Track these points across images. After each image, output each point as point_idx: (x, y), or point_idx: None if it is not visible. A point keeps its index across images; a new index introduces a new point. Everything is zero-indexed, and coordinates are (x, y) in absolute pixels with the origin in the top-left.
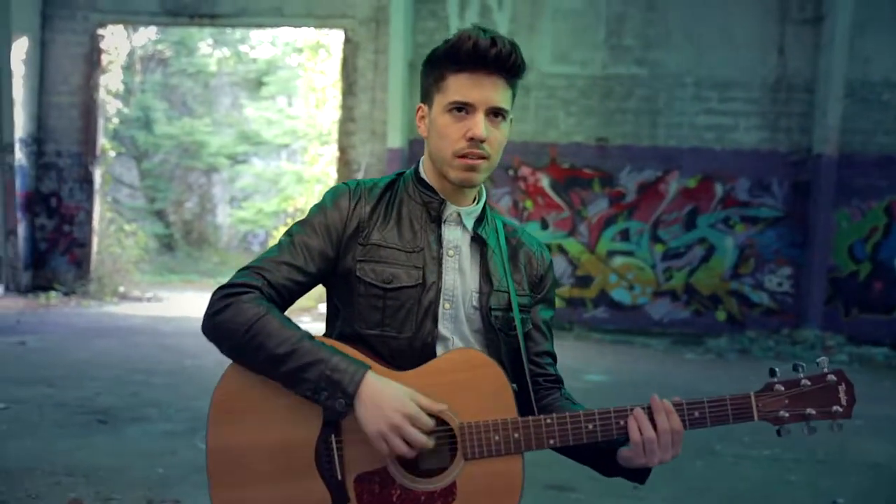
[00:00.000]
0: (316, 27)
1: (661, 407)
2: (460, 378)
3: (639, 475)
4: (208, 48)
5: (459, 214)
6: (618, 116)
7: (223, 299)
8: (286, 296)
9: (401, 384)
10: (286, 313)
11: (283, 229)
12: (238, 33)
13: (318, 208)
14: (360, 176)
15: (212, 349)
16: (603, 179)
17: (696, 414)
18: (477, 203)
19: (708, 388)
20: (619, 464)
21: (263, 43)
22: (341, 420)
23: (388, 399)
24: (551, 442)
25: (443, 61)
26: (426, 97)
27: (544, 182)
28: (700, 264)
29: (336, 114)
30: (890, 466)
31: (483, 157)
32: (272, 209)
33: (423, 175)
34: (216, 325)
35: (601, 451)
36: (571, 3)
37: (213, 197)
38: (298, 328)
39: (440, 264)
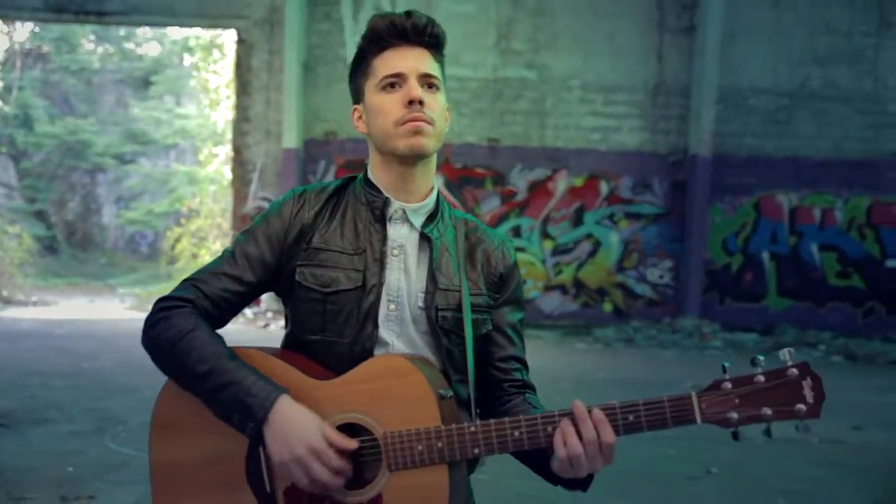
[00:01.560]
0: (208, 27)
1: (586, 416)
2: (384, 385)
3: (579, 483)
4: (90, 45)
5: (405, 211)
6: (508, 118)
7: (157, 313)
8: (224, 307)
9: (313, 415)
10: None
11: (176, 230)
12: (122, 30)
13: (263, 217)
14: (255, 176)
15: (108, 350)
16: (494, 178)
17: (631, 418)
18: (428, 199)
19: (597, 376)
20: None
21: (150, 40)
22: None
23: (296, 429)
24: (476, 451)
25: (365, 50)
26: (358, 96)
27: (439, 181)
28: (587, 259)
29: (230, 114)
30: (755, 439)
31: (426, 121)
32: (162, 210)
33: (370, 175)
34: (149, 338)
35: (539, 460)
36: (463, 7)
37: (97, 197)
38: (223, 346)
39: (382, 264)
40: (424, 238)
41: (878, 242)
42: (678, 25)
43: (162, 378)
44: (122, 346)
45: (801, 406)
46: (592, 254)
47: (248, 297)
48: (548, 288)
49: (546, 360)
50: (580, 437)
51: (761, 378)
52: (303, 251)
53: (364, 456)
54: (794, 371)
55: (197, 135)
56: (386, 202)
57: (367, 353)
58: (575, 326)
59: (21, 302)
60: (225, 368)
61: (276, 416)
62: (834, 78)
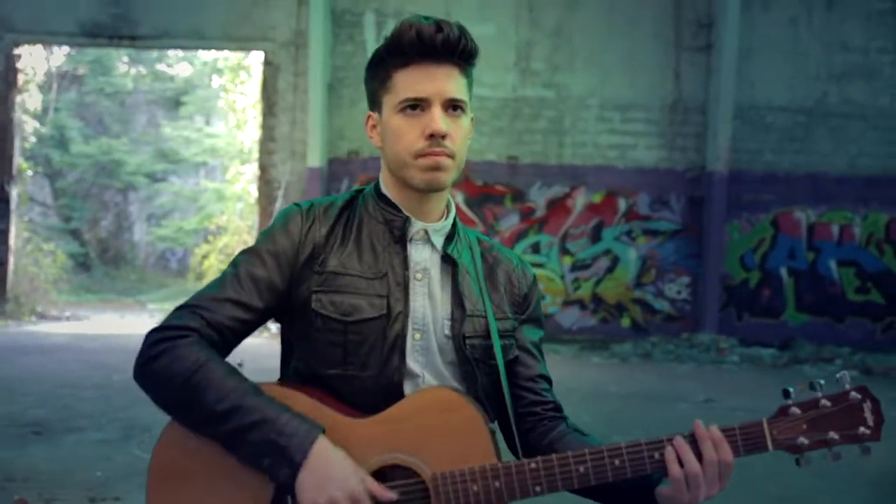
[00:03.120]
0: (236, 50)
1: (707, 436)
2: (430, 422)
3: None
4: (124, 66)
5: (427, 232)
6: (527, 136)
7: (157, 344)
8: (230, 337)
9: (351, 460)
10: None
11: (204, 247)
12: (155, 52)
13: (267, 234)
14: (280, 194)
15: None
16: (514, 196)
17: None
18: (446, 218)
19: (610, 389)
20: None
21: (181, 61)
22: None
23: (336, 474)
24: (537, 489)
25: (386, 59)
26: (374, 103)
27: (459, 198)
28: (606, 275)
29: (256, 133)
30: None
31: (447, 155)
32: (192, 227)
33: (383, 190)
34: (149, 374)
35: (608, 493)
36: (483, 30)
37: (129, 215)
38: (244, 379)
39: (406, 290)
40: (447, 260)
41: None
42: (695, 44)
43: None
44: None
45: (864, 429)
46: (611, 269)
47: (255, 325)
48: (566, 303)
49: (561, 374)
50: (699, 458)
51: (826, 402)
52: (316, 275)
53: (410, 499)
54: (856, 395)
55: (225, 153)
56: (407, 221)
57: (394, 388)
58: (593, 341)
59: (54, 317)
60: (252, 406)
61: (314, 459)
62: (850, 94)
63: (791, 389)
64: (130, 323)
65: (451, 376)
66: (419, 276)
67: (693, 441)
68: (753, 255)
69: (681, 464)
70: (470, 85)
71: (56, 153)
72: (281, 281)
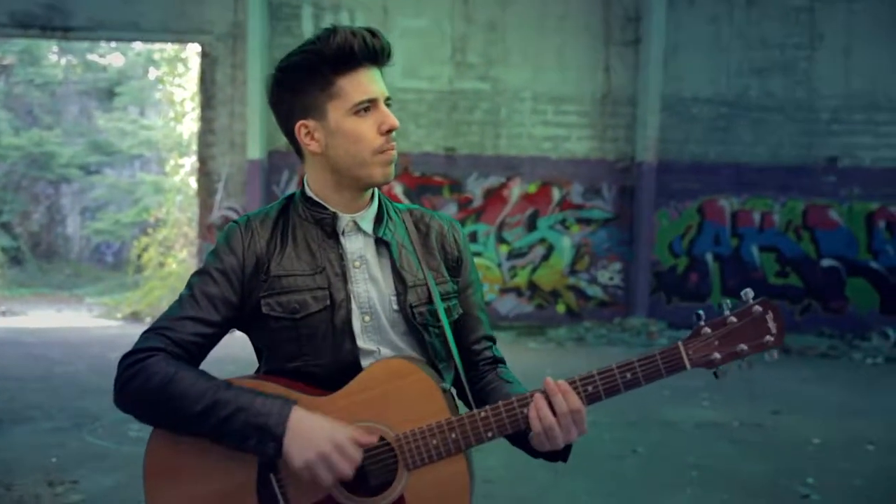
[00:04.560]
0: (173, 42)
1: (556, 389)
2: (387, 389)
3: (559, 454)
4: (54, 56)
5: (355, 222)
6: (464, 128)
7: (128, 368)
8: (195, 352)
9: (329, 419)
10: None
11: (143, 240)
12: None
13: (213, 254)
14: (220, 186)
15: (80, 356)
16: (452, 186)
17: (629, 375)
18: (371, 203)
19: (546, 372)
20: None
21: (114, 51)
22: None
23: (317, 433)
24: (489, 435)
25: (328, 67)
26: (309, 111)
27: (398, 189)
28: (541, 262)
29: (195, 126)
30: (679, 423)
31: (394, 149)
32: (129, 219)
33: (309, 193)
34: (127, 395)
35: (523, 435)
36: (419, 23)
37: (62, 208)
38: (213, 379)
39: (345, 279)
40: (380, 242)
41: (814, 243)
42: (623, 38)
43: None
44: (94, 352)
45: (769, 337)
46: (546, 257)
47: (216, 337)
48: (503, 290)
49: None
50: (553, 410)
51: (733, 319)
52: (262, 282)
53: (379, 461)
54: (758, 308)
55: (162, 145)
56: (335, 216)
57: (352, 368)
58: (529, 327)
59: None
60: (227, 399)
61: (294, 425)
62: (770, 88)
63: (702, 313)
64: (68, 317)
65: (406, 346)
66: (357, 263)
67: (547, 396)
68: (681, 241)
69: (539, 419)
70: None
71: None
72: (233, 294)
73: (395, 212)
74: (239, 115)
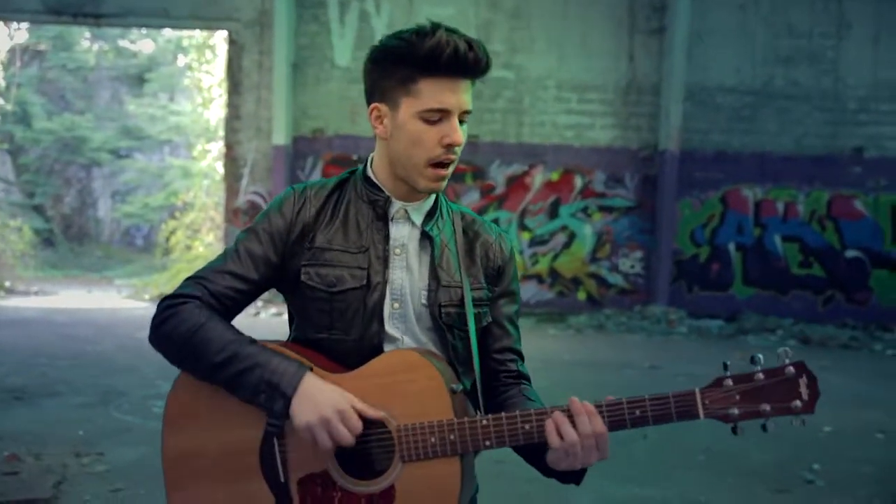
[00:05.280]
0: (201, 29)
1: (582, 409)
2: (397, 380)
3: (573, 476)
4: (86, 42)
5: (406, 211)
6: (487, 116)
7: (165, 311)
8: (229, 304)
9: (338, 388)
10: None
11: (171, 223)
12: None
13: (264, 215)
14: (246, 171)
15: (108, 335)
16: (475, 173)
17: (637, 413)
18: (427, 197)
19: (564, 357)
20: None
21: (144, 37)
22: (283, 422)
23: (324, 398)
24: (487, 443)
25: (414, 64)
26: (385, 96)
27: None
28: (562, 250)
29: (222, 111)
30: None
31: (453, 162)
32: (157, 203)
33: (370, 174)
34: (159, 336)
35: (537, 452)
36: (443, 10)
37: (93, 191)
38: (240, 334)
39: (386, 263)
40: (425, 236)
41: (838, 233)
42: (648, 27)
43: (158, 358)
44: (122, 331)
45: (798, 402)
46: (567, 245)
47: (253, 295)
48: (525, 277)
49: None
50: (576, 429)
51: (761, 376)
52: (306, 250)
53: (378, 448)
54: (792, 370)
55: (191, 131)
56: (388, 201)
57: (375, 350)
58: (550, 314)
59: (23, 292)
60: (248, 353)
61: (304, 388)
62: (796, 77)
63: (728, 363)
64: (98, 298)
65: (428, 341)
66: (398, 250)
67: (570, 415)
68: (703, 230)
69: (560, 435)
70: None
71: (18, 129)
72: (275, 256)
73: (449, 211)
74: (265, 102)
